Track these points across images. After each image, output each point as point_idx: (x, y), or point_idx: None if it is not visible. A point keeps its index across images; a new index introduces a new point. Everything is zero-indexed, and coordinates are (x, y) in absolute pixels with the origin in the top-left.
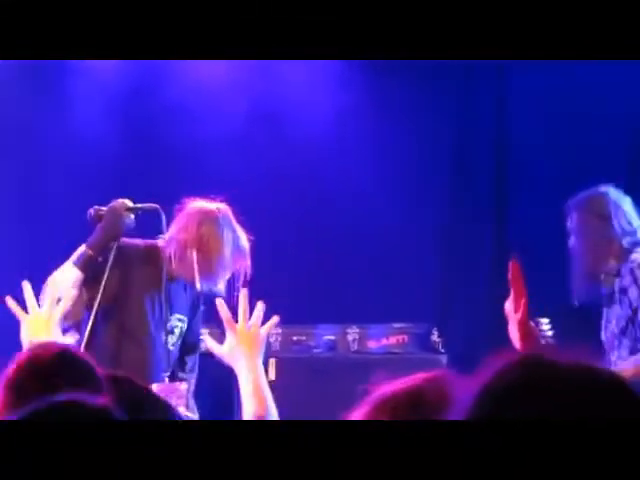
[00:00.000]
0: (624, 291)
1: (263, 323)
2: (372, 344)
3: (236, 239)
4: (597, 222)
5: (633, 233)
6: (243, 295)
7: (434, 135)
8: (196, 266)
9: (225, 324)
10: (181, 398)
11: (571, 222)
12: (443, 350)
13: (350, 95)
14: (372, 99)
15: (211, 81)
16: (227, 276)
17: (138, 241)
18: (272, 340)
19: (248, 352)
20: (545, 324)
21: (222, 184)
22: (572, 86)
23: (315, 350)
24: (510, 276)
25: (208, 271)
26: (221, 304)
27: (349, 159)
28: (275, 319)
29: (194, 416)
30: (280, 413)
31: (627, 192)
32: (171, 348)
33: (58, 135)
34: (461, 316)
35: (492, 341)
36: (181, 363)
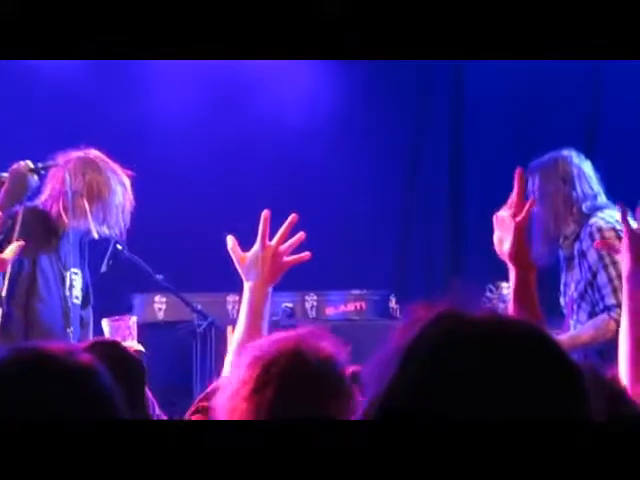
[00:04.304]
0: (583, 255)
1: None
2: (330, 311)
3: (119, 177)
4: (559, 185)
5: (593, 197)
6: (290, 220)
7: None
8: (89, 215)
9: (259, 236)
10: (132, 331)
11: (532, 184)
12: (401, 316)
13: (328, 89)
14: (340, 95)
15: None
16: (122, 215)
17: (28, 204)
18: (230, 308)
19: (263, 272)
20: (506, 288)
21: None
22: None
23: (273, 317)
24: (516, 178)
25: (104, 217)
26: (265, 216)
27: (316, 144)
28: (307, 254)
29: (142, 348)
30: None
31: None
32: (76, 301)
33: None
34: (418, 283)
35: None
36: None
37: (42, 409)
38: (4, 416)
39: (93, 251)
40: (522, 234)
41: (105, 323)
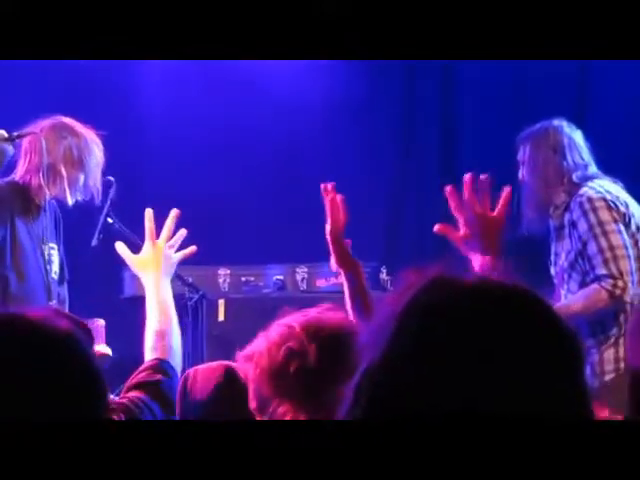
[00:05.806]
0: (573, 224)
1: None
2: (321, 283)
3: (93, 137)
4: (550, 154)
5: (584, 167)
6: (173, 215)
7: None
8: (67, 181)
9: (147, 235)
10: (99, 335)
11: (523, 154)
12: (392, 288)
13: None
14: (335, 91)
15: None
16: (99, 175)
17: (7, 179)
18: (221, 281)
19: (159, 269)
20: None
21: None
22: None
23: (264, 290)
24: (323, 192)
25: (84, 180)
26: (149, 215)
27: (311, 119)
28: (193, 248)
29: (109, 352)
30: (229, 354)
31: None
32: (54, 277)
33: None
34: (409, 255)
35: None
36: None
37: (20, 374)
38: None
39: (84, 224)
40: (336, 245)
41: None
